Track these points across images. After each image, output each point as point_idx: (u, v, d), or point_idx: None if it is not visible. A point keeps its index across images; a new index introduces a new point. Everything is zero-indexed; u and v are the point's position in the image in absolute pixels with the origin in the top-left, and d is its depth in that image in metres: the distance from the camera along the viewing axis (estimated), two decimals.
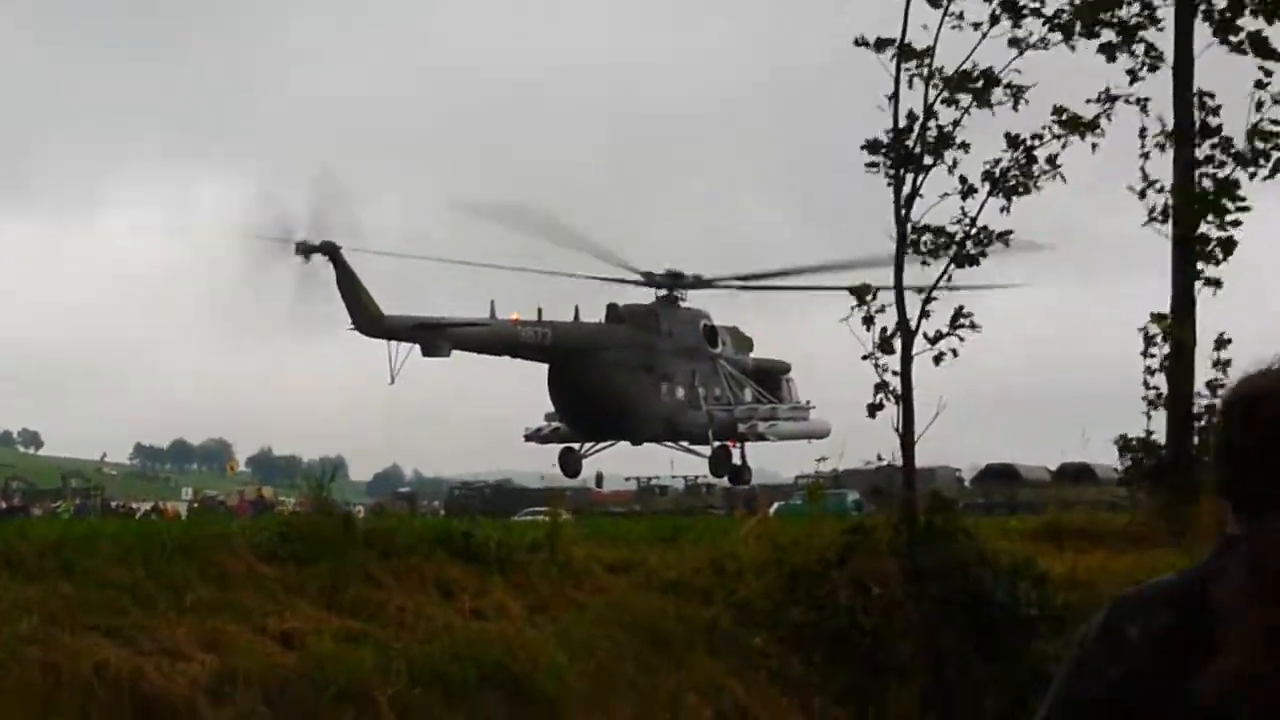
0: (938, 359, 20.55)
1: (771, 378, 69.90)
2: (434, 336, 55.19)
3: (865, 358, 20.62)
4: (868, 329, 20.70)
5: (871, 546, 19.30)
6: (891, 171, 20.69)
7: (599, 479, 72.25)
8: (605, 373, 61.85)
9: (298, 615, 15.27)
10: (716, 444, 65.16)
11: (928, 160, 20.63)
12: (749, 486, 71.33)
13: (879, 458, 20.91)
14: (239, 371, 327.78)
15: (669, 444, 67.26)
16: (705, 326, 67.21)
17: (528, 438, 67.25)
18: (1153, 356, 23.47)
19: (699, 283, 66.28)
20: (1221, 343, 23.11)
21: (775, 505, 44.74)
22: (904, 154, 20.62)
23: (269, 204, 53.61)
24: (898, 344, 20.64)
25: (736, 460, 66.28)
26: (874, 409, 20.54)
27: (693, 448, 67.13)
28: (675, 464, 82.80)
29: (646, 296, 65.90)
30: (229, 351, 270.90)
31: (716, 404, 66.24)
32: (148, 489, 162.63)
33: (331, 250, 52.39)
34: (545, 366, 62.02)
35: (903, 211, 20.69)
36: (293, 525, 17.32)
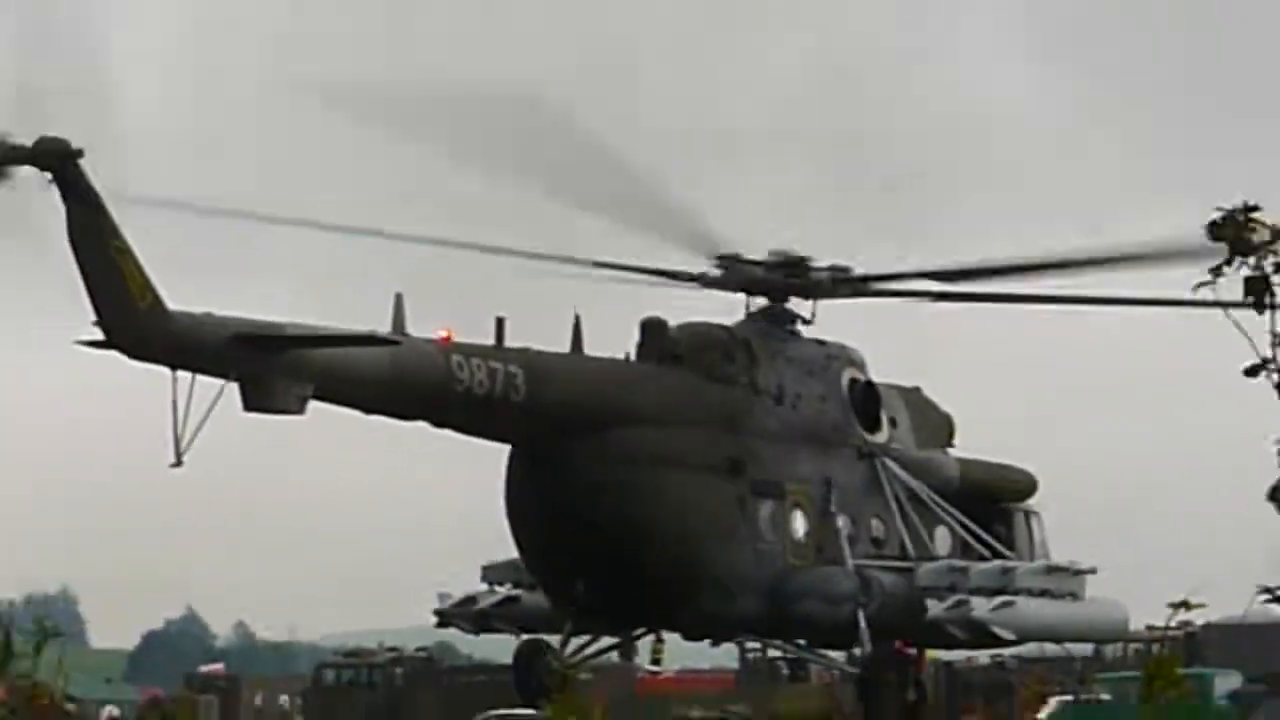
0: None
1: (992, 508, 52.69)
2: (273, 365, 40.78)
3: (1252, 371, 14.92)
4: (1263, 309, 15.00)
5: None
6: None
7: (656, 649, 53.91)
8: (633, 474, 45.92)
9: None
10: (874, 646, 48.07)
11: None
12: (1001, 666, 54.50)
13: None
14: None
15: (768, 642, 52.87)
16: (854, 384, 51.09)
17: (442, 614, 51.10)
18: None
19: (843, 282, 49.23)
20: None
21: (1053, 702, 39.34)
22: None
23: None
24: None
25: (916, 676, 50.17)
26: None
27: (821, 651, 52.08)
28: None
29: (722, 308, 49.98)
30: None
31: (878, 554, 50.34)
32: None
33: (61, 159, 38.88)
34: (504, 450, 46.41)
35: None
36: None
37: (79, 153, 39.69)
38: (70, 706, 40.31)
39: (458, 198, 44.76)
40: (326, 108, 44.63)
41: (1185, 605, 17.67)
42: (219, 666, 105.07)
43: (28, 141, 39.04)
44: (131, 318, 39.33)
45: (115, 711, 41.70)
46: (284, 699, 77.86)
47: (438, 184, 45.68)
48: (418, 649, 79.90)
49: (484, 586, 50.44)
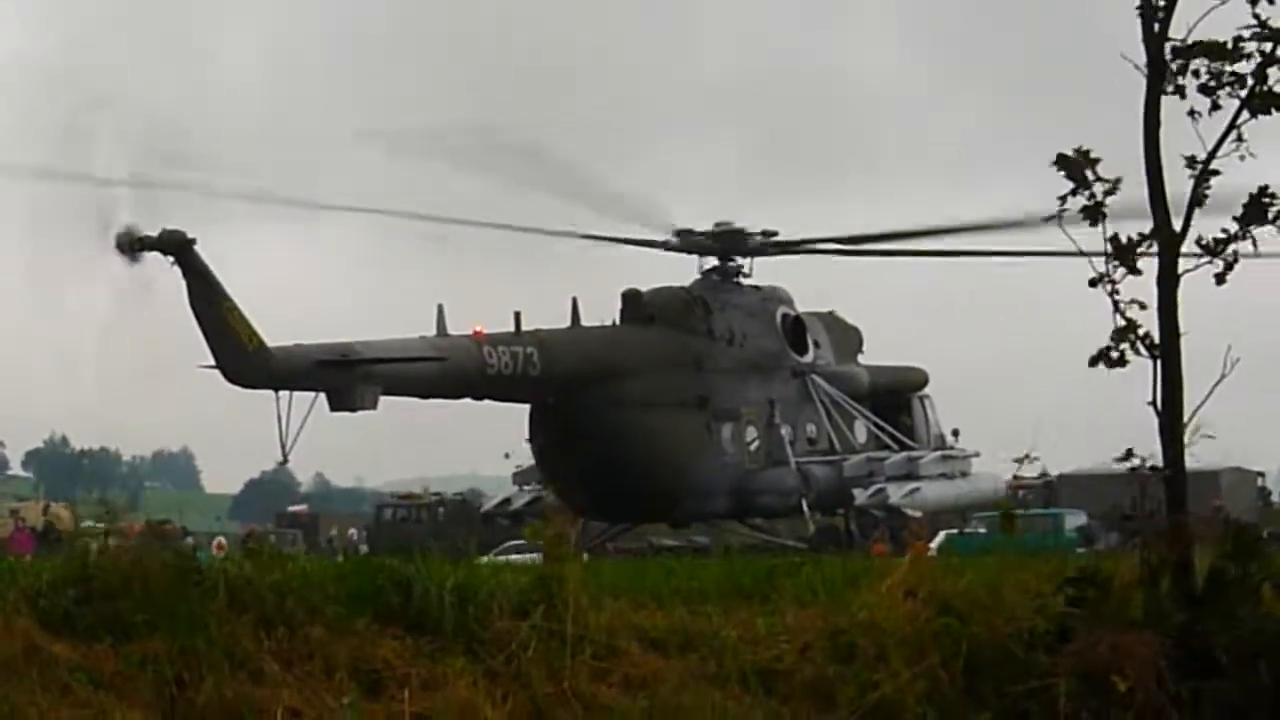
0: (1222, 276, 17.16)
1: (896, 400, 60.38)
2: (349, 379, 46.71)
3: (1094, 282, 17.28)
4: (1094, 223, 17.21)
5: (1112, 611, 16.49)
6: None
7: None
8: (624, 413, 52.32)
9: None
10: (819, 523, 55.55)
11: None
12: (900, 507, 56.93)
13: (1126, 455, 17.14)
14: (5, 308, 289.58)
15: (737, 527, 56.90)
16: (785, 318, 58.19)
17: (487, 514, 59.47)
18: None
19: (771, 244, 56.00)
20: None
21: (941, 535, 38.89)
22: None
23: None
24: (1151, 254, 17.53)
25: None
26: (1110, 360, 17.18)
27: (769, 531, 57.12)
28: None
29: (681, 271, 56.67)
30: None
31: (812, 452, 57.00)
32: None
33: (179, 247, 44.42)
34: (527, 408, 53.21)
35: (1155, 25, 15.98)
36: (104, 573, 15.58)
37: (193, 240, 44.11)
38: (189, 539, 43.74)
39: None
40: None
41: (1026, 459, 19.47)
42: (303, 507, 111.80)
43: (153, 232, 43.95)
44: (242, 360, 44.97)
45: (223, 541, 50.44)
46: (352, 531, 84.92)
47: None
48: (455, 493, 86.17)
49: (516, 487, 57.62)
